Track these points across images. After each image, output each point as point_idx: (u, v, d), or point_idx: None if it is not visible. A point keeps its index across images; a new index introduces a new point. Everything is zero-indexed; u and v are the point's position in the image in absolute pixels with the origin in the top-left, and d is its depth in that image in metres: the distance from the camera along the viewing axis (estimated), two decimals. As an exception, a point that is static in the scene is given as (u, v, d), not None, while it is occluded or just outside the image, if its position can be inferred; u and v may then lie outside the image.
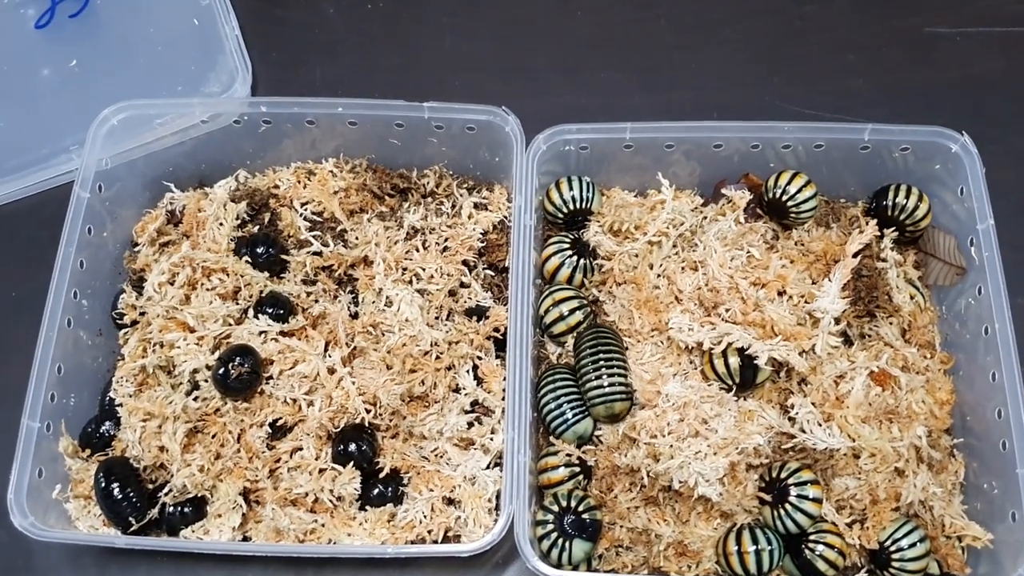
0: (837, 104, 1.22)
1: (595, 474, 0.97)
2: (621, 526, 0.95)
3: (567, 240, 1.04)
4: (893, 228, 1.06)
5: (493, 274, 1.07)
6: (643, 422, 0.92)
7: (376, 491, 0.95)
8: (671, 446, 0.90)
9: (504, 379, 0.98)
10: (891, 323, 1.02)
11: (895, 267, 1.05)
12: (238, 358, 0.95)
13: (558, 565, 0.90)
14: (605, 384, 0.94)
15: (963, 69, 1.25)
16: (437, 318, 1.01)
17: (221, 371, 0.94)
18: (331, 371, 0.96)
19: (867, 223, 1.05)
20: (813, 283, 1.02)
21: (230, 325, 1.00)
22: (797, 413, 0.95)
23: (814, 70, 1.26)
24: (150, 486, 0.95)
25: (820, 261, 1.04)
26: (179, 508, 0.94)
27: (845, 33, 1.27)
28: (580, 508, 0.92)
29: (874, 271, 1.04)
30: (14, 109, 1.22)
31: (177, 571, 0.99)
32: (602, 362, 0.95)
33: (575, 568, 0.91)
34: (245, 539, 0.95)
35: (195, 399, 0.97)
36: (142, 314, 1.02)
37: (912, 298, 1.05)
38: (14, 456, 0.91)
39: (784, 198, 1.04)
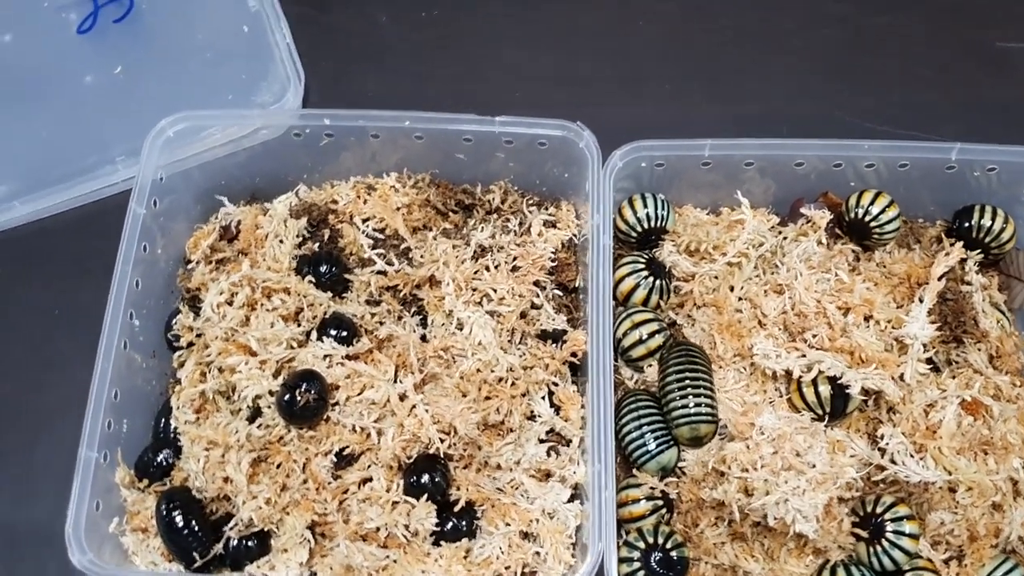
0: (909, 119, 1.18)
1: (678, 507, 0.93)
2: (707, 563, 0.91)
3: (642, 260, 1.00)
4: (978, 251, 1.02)
5: (562, 295, 1.03)
6: (734, 455, 0.88)
7: (450, 525, 0.90)
8: (766, 481, 0.86)
9: (583, 407, 0.94)
10: (979, 349, 0.99)
11: (980, 290, 1.01)
12: (304, 384, 0.90)
13: (646, 606, 0.87)
14: (691, 404, 0.90)
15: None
16: (510, 342, 0.97)
17: (287, 397, 0.90)
18: (402, 397, 0.92)
19: (952, 245, 1.01)
20: (899, 307, 0.98)
21: (293, 348, 0.95)
22: (888, 444, 0.92)
23: (884, 83, 1.22)
24: (213, 518, 0.91)
25: (903, 284, 1.01)
26: (244, 542, 0.89)
27: (916, 45, 1.24)
28: (667, 545, 0.88)
29: (959, 295, 1.01)
30: (56, 117, 1.17)
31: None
32: (688, 381, 0.91)
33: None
34: (312, 575, 0.91)
35: (258, 426, 0.92)
36: (199, 336, 0.98)
37: (998, 323, 1.01)
38: (71, 487, 0.86)
39: (867, 219, 1.00)
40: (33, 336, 1.09)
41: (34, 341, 1.09)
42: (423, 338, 0.98)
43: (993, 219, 1.02)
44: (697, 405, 0.90)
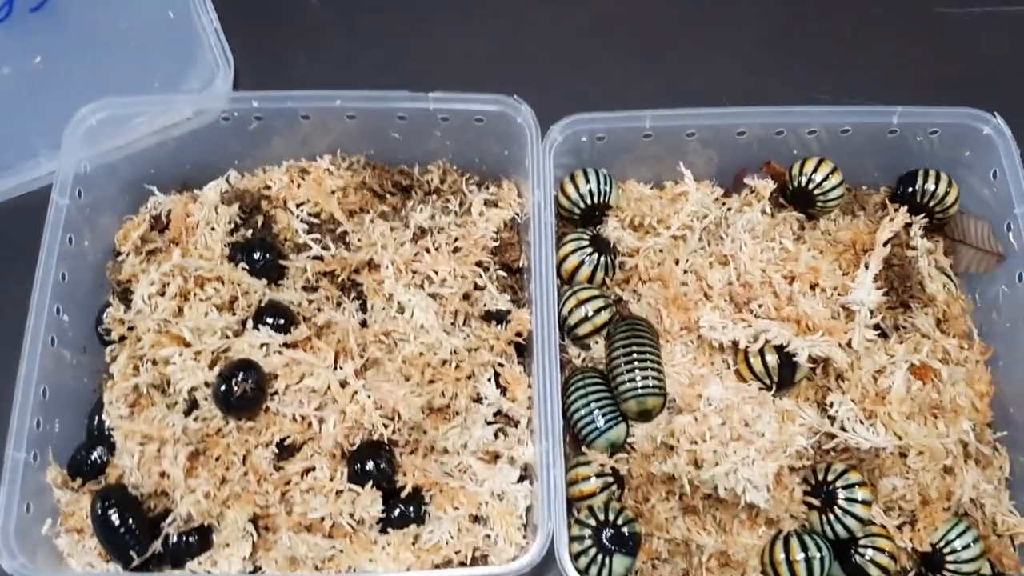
0: (850, 87, 1.17)
1: (629, 483, 0.92)
2: (659, 537, 0.90)
3: (586, 237, 0.98)
4: (922, 215, 1.02)
5: (506, 275, 1.01)
6: (683, 427, 0.86)
7: (397, 512, 0.88)
8: (715, 452, 0.84)
9: (529, 387, 0.92)
10: (926, 313, 0.98)
11: (926, 255, 1.01)
12: (241, 374, 0.87)
13: (597, 583, 0.85)
14: (638, 378, 0.89)
15: (972, 49, 1.23)
16: (453, 324, 0.95)
17: (223, 388, 0.87)
18: (343, 384, 0.89)
19: (896, 210, 1.01)
20: (845, 274, 0.97)
21: (228, 338, 0.92)
22: (837, 411, 0.91)
23: (825, 53, 1.22)
24: (151, 515, 0.88)
25: (849, 251, 1.00)
26: (184, 538, 0.86)
27: (856, 13, 1.23)
28: (619, 520, 0.86)
29: (905, 260, 1.00)
30: (-28, 111, 1.13)
31: (180, 608, 0.91)
32: (635, 355, 0.90)
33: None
34: (256, 570, 0.88)
35: (195, 419, 0.89)
36: (130, 329, 0.94)
37: (945, 287, 1.01)
38: (-1, 491, 0.83)
39: (811, 186, 1.00)
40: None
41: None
42: (363, 323, 0.95)
43: (937, 183, 1.01)
44: (644, 379, 0.88)
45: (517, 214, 1.02)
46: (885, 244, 0.97)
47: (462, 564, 0.87)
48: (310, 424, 0.88)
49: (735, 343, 0.91)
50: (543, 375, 0.87)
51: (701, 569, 0.89)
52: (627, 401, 0.89)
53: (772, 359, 0.90)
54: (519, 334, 0.94)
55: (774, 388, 0.90)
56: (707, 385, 0.87)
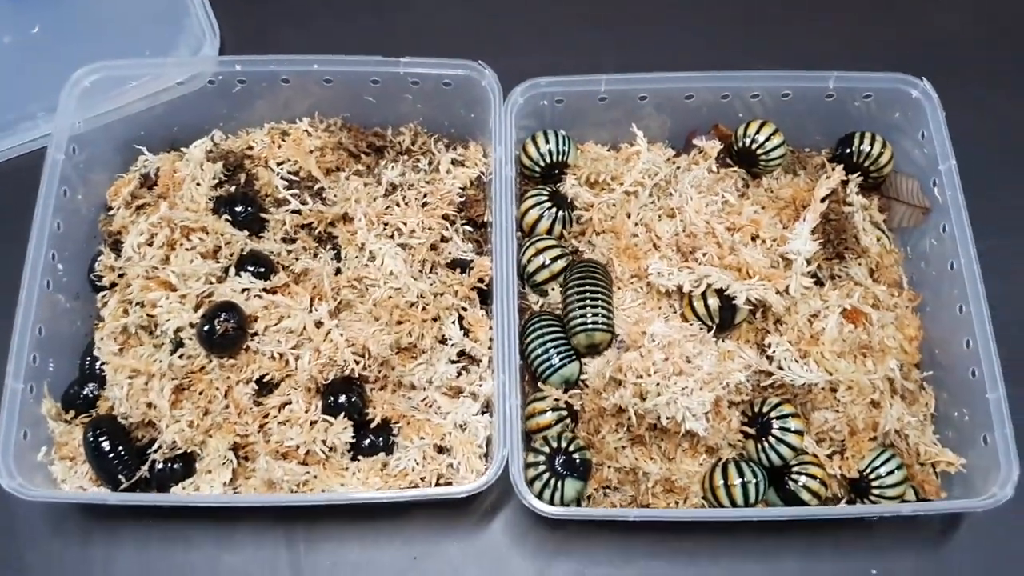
0: (792, 57, 1.24)
1: (582, 417, 0.99)
2: (609, 466, 0.97)
3: (545, 193, 1.06)
4: (858, 174, 1.09)
5: (472, 230, 1.08)
6: (629, 363, 0.93)
7: (367, 441, 0.96)
8: (658, 384, 0.92)
9: (490, 328, 1.00)
10: (860, 264, 1.06)
11: (861, 211, 1.08)
12: (223, 314, 0.94)
13: (551, 504, 0.92)
14: (588, 314, 0.96)
15: (924, 19, 1.32)
16: (421, 271, 1.02)
17: (206, 328, 0.94)
18: (318, 325, 0.97)
19: (833, 169, 1.08)
20: (784, 227, 1.05)
21: (212, 283, 0.99)
22: (774, 351, 0.98)
23: (769, 23, 1.31)
24: (138, 444, 0.95)
25: (790, 207, 1.07)
26: (169, 465, 0.94)
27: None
28: (571, 448, 0.94)
29: (841, 215, 1.07)
30: (-25, 78, 1.20)
31: (165, 533, 0.98)
32: (588, 293, 0.97)
33: (567, 507, 0.92)
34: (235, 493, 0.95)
35: (180, 357, 0.96)
36: (121, 275, 1.01)
37: (878, 240, 1.08)
38: (-1, 418, 0.90)
39: (754, 146, 1.07)
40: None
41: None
42: (337, 271, 1.02)
43: (872, 144, 1.09)
44: (595, 315, 0.96)
45: (483, 173, 1.09)
46: (823, 200, 1.04)
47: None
48: (287, 362, 0.96)
49: (680, 288, 0.99)
50: (503, 316, 0.94)
51: (647, 495, 0.96)
52: (577, 335, 0.97)
53: (713, 302, 0.98)
54: (481, 280, 1.01)
55: (715, 329, 0.98)
56: (651, 323, 0.94)
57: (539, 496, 0.92)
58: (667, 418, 0.92)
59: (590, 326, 0.96)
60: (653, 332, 0.93)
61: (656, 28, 1.30)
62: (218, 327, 0.94)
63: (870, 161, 1.09)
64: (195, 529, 0.99)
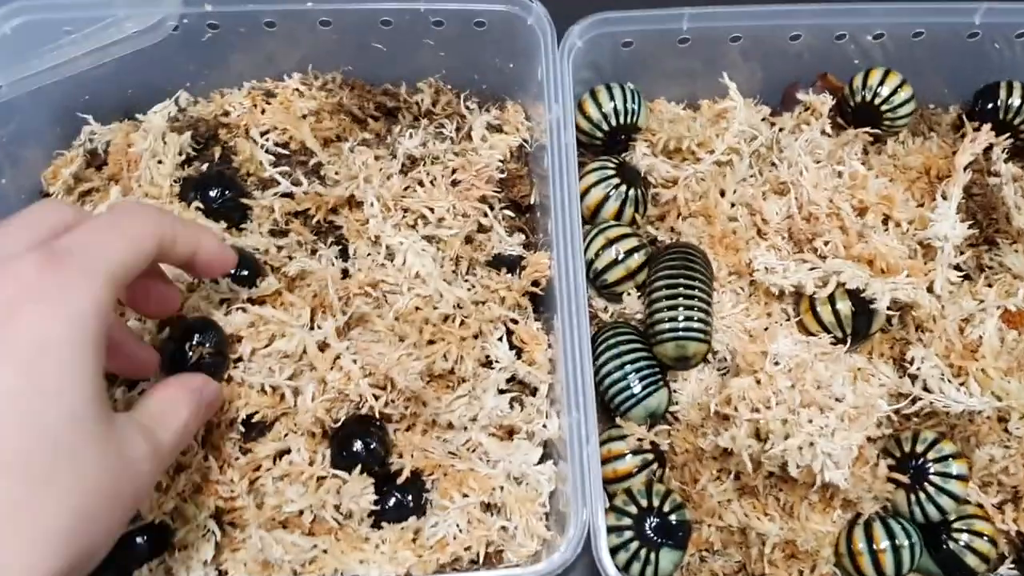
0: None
1: (671, 461, 0.76)
2: (710, 525, 0.75)
3: (611, 166, 0.82)
4: (1007, 135, 0.86)
5: (514, 215, 0.84)
6: (742, 392, 0.70)
7: (392, 501, 0.72)
8: (784, 422, 0.68)
9: (549, 347, 0.76)
10: (1016, 251, 0.83)
11: (1011, 182, 0.85)
12: (197, 336, 0.70)
13: (640, 583, 0.69)
14: (681, 316, 0.73)
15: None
16: (455, 272, 0.78)
17: (176, 354, 0.70)
18: (322, 347, 0.73)
19: (975, 129, 0.85)
20: (919, 205, 0.82)
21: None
22: (919, 369, 0.75)
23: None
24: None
25: (921, 179, 0.84)
26: (132, 539, 0.70)
27: None
28: (665, 507, 0.71)
29: (986, 188, 0.85)
30: None
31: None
32: (682, 287, 0.74)
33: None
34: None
35: (140, 393, 0.72)
36: (62, 284, 0.77)
37: (1036, 219, 0.85)
38: None
39: (877, 101, 0.84)
40: None
41: None
42: (344, 273, 0.78)
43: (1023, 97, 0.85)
44: (688, 318, 0.73)
45: (525, 141, 0.85)
46: (965, 169, 0.81)
47: (473, 563, 0.72)
48: (283, 396, 0.72)
49: (798, 288, 0.76)
50: (569, 331, 0.71)
51: (763, 561, 0.73)
52: (664, 343, 0.73)
53: (845, 306, 0.75)
54: (536, 283, 0.77)
55: (849, 342, 0.75)
56: (774, 339, 0.70)
57: (625, 569, 0.69)
58: (798, 467, 0.68)
59: (682, 333, 0.73)
60: (777, 352, 0.70)
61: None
62: (191, 353, 0.70)
63: (1021, 118, 0.85)
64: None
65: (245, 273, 0.75)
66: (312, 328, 0.74)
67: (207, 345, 0.70)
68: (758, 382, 0.70)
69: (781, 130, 0.85)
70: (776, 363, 0.69)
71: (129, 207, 0.64)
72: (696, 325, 0.73)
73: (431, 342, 0.74)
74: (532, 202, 0.84)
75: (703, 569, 0.75)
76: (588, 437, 0.68)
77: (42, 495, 0.46)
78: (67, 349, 0.48)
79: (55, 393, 0.47)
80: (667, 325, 0.74)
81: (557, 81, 0.78)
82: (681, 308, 0.73)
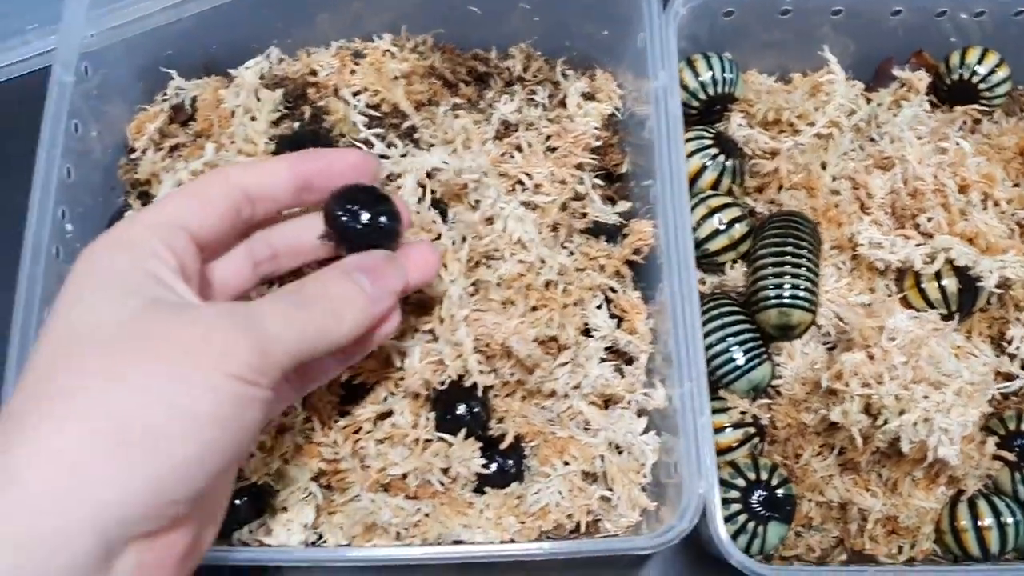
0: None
1: (770, 435, 0.76)
2: (810, 500, 0.74)
3: (708, 135, 0.81)
4: (1102, 115, 0.86)
5: (604, 184, 0.83)
6: (854, 367, 0.69)
7: (495, 467, 0.71)
8: (897, 397, 0.68)
9: (648, 316, 0.75)
10: (1108, 232, 0.82)
11: (1102, 163, 0.85)
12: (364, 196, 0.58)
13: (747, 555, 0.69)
14: (787, 283, 0.73)
15: None
16: (554, 238, 0.77)
17: (344, 217, 0.57)
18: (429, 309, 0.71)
19: (1071, 110, 0.84)
20: (1015, 185, 0.81)
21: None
22: (1019, 348, 0.75)
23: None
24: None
25: (1016, 159, 0.83)
26: (231, 502, 0.69)
27: None
28: (773, 481, 0.70)
29: (1080, 169, 0.84)
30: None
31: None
32: (789, 256, 0.73)
33: (787, 563, 0.69)
34: (319, 540, 0.70)
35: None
36: (152, 240, 0.75)
37: None
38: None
39: (975, 80, 0.83)
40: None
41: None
42: (438, 237, 0.77)
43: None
44: (794, 286, 0.72)
45: (617, 109, 0.84)
46: (1061, 150, 0.81)
47: (573, 532, 0.71)
48: (387, 358, 0.71)
49: (903, 264, 0.75)
50: (679, 299, 0.70)
51: (863, 537, 0.73)
52: (766, 310, 0.73)
53: (951, 283, 0.74)
54: (637, 252, 0.76)
55: (956, 319, 0.74)
56: (891, 314, 0.69)
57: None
58: (911, 442, 0.68)
59: (787, 300, 0.72)
60: (895, 326, 0.69)
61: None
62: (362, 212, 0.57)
63: (1117, 101, 0.85)
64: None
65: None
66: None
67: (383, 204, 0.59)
68: (871, 357, 0.69)
69: (879, 105, 0.84)
70: (892, 338, 0.69)
71: None
72: (802, 294, 0.73)
73: (534, 308, 0.73)
74: (624, 171, 0.83)
75: (799, 544, 0.74)
76: (701, 408, 0.67)
77: None
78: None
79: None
80: (772, 292, 0.73)
81: (664, 48, 0.76)
82: (788, 276, 0.73)
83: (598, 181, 0.82)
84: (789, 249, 0.73)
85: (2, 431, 0.42)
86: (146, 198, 0.78)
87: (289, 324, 0.49)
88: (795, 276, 0.73)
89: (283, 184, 0.57)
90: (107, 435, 0.41)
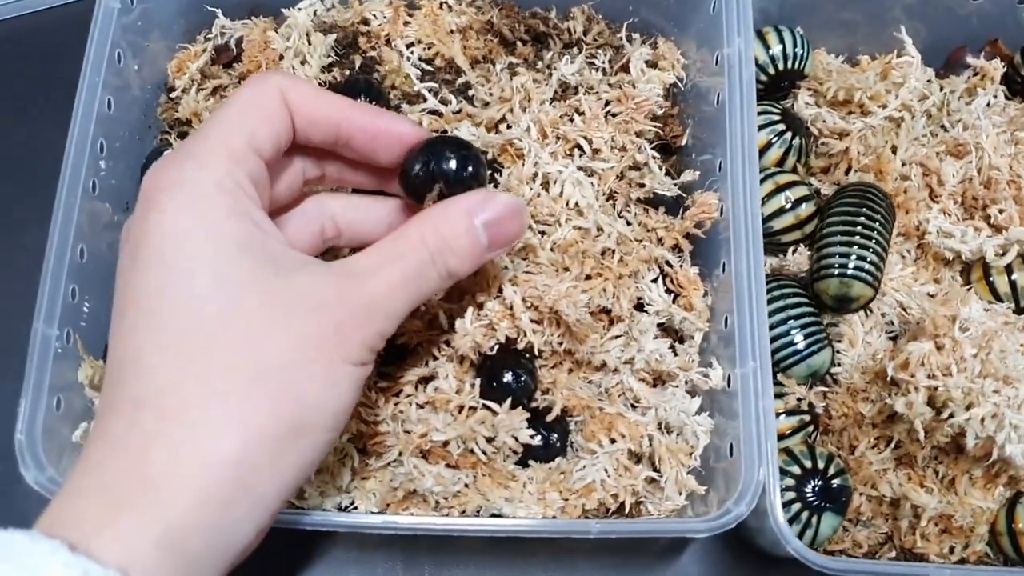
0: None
1: (825, 424, 0.73)
2: (862, 494, 0.71)
3: (775, 111, 0.78)
4: None
5: (659, 157, 0.80)
6: (921, 357, 0.66)
7: (539, 439, 0.68)
8: (966, 392, 0.65)
9: (705, 294, 0.72)
10: None
11: None
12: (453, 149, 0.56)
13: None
14: (854, 254, 0.70)
15: None
16: (612, 206, 0.74)
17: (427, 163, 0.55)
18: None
19: None
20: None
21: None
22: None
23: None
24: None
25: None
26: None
27: None
28: (829, 470, 0.67)
29: None
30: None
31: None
32: (860, 227, 0.71)
33: (849, 557, 0.67)
34: (350, 506, 0.67)
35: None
36: (191, 183, 0.72)
37: None
38: (25, 376, 0.62)
39: (1052, 72, 0.80)
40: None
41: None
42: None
43: None
44: (860, 258, 0.70)
45: (680, 79, 0.81)
46: None
47: (618, 511, 0.68)
48: (432, 320, 0.67)
49: (974, 255, 0.72)
50: (745, 274, 0.67)
51: (914, 535, 0.70)
52: (826, 279, 0.71)
53: (1022, 277, 0.71)
54: (699, 225, 0.73)
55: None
56: (966, 304, 0.66)
57: (781, 532, 0.66)
58: (977, 437, 0.65)
59: (851, 271, 0.70)
60: (969, 317, 0.66)
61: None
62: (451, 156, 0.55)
63: None
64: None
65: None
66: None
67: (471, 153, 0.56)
68: (939, 348, 0.66)
69: (951, 92, 0.81)
70: (964, 329, 0.66)
71: None
72: (867, 267, 0.70)
73: (587, 277, 0.69)
74: (683, 143, 0.80)
75: (845, 539, 0.72)
76: (764, 390, 0.64)
77: None
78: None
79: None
80: (836, 260, 0.71)
81: (739, 14, 0.73)
82: (856, 246, 0.70)
83: (654, 153, 0.79)
84: (862, 220, 0.71)
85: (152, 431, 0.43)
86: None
87: (407, 297, 0.50)
88: (864, 247, 0.70)
89: (331, 121, 0.53)
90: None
